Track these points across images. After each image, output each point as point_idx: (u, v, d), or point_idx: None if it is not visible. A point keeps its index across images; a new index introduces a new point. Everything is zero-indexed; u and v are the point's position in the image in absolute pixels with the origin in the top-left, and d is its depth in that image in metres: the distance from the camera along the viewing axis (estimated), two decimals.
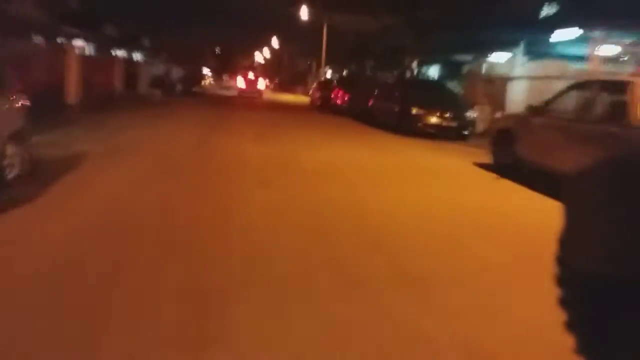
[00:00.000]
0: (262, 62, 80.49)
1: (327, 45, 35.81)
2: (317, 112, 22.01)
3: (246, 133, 11.73)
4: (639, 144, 5.54)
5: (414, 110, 12.62)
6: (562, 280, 0.85)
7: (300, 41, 50.75)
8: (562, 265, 0.86)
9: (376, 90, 15.96)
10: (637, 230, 0.74)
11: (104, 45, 24.64)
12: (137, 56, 31.81)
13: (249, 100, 28.41)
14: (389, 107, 13.96)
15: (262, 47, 73.97)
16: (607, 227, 0.78)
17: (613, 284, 0.76)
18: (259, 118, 17.26)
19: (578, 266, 0.82)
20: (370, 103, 15.74)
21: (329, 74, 39.60)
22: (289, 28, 54.36)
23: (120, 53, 26.40)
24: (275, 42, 62.56)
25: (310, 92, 29.27)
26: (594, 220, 0.82)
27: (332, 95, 21.79)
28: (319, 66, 39.49)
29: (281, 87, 55.50)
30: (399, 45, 21.65)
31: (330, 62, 37.56)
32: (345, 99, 19.41)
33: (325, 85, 25.31)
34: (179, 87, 27.34)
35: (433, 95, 13.70)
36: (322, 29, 35.59)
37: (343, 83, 21.53)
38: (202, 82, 27.10)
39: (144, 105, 17.47)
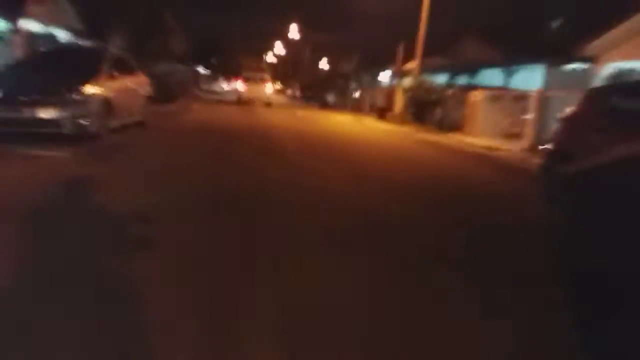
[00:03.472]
0: (275, 60, 61.91)
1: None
2: None
3: None
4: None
5: None
6: (565, 280, 1.19)
7: (333, 26, 32.71)
8: (565, 264, 1.22)
9: None
10: (637, 229, 0.90)
11: None
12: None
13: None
14: None
15: (274, 44, 55.60)
16: (611, 227, 0.94)
17: (615, 282, 0.94)
18: None
19: (581, 265, 1.06)
20: None
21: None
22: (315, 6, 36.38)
23: None
24: (294, 31, 43.97)
25: (554, 134, 8.00)
26: (597, 220, 1.01)
27: None
28: (408, 59, 21.25)
29: (304, 96, 37.04)
30: None
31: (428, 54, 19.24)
32: None
33: None
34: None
35: None
36: None
37: None
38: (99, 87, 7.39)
39: None
